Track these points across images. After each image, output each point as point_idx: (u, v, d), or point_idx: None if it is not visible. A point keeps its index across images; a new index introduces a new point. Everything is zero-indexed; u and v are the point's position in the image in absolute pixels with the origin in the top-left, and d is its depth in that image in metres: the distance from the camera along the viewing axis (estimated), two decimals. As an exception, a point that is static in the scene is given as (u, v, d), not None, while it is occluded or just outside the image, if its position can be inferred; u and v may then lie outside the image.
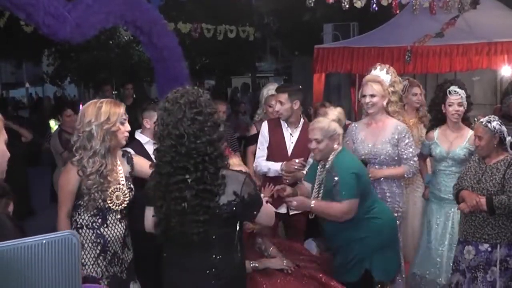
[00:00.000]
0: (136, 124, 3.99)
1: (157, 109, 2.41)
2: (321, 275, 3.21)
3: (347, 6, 6.81)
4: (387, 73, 4.08)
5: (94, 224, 2.91)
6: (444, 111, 4.17)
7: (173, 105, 2.27)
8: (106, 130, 2.85)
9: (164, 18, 6.37)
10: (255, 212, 2.46)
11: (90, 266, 2.86)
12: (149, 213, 2.55)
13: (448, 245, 4.11)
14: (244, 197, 2.34)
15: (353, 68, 7.99)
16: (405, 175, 3.95)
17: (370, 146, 3.88)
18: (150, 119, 3.87)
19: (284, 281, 3.12)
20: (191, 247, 2.40)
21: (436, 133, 4.25)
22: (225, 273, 2.40)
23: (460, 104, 4.06)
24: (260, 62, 23.87)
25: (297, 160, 3.97)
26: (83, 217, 2.91)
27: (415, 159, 3.93)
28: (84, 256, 2.85)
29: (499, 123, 3.58)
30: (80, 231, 2.89)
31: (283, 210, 4.16)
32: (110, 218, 2.93)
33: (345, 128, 3.77)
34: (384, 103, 3.90)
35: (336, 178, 3.25)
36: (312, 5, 6.65)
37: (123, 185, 2.96)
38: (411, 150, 3.88)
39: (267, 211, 2.58)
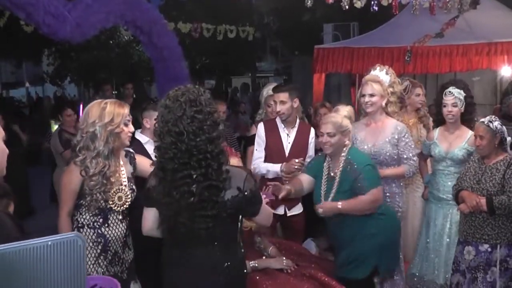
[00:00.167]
0: (136, 124, 3.98)
1: (158, 106, 2.42)
2: (321, 275, 3.21)
3: (346, 6, 6.81)
4: (387, 73, 4.08)
5: (95, 223, 2.91)
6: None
7: (174, 103, 2.29)
8: (110, 131, 2.85)
9: (164, 17, 6.38)
10: (257, 208, 2.50)
11: (91, 266, 2.86)
12: (148, 215, 2.55)
13: (446, 246, 4.11)
14: (246, 192, 2.37)
15: (353, 68, 8.00)
16: (405, 175, 3.95)
17: (370, 146, 3.88)
18: (150, 119, 3.86)
19: (284, 281, 3.12)
20: (195, 245, 2.41)
21: (436, 133, 4.26)
22: (228, 270, 2.43)
23: (454, 105, 4.06)
24: (260, 62, 23.85)
25: (296, 160, 3.97)
26: (84, 217, 2.91)
27: (415, 158, 3.94)
28: (85, 256, 2.86)
29: (500, 123, 3.58)
30: (81, 230, 2.89)
31: (280, 211, 4.16)
32: (111, 218, 2.94)
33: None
34: (383, 103, 3.91)
35: (356, 172, 3.30)
36: (310, 5, 6.65)
37: (125, 186, 2.97)
38: (411, 149, 3.89)
39: (265, 211, 2.61)
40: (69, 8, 4.52)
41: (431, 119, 4.88)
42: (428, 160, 4.51)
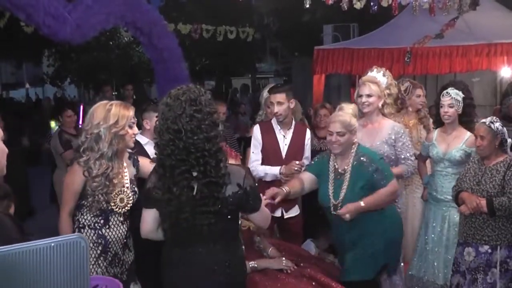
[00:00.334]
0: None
1: (160, 104, 2.45)
2: (320, 276, 3.21)
3: (345, 7, 6.82)
4: (384, 75, 4.09)
5: (96, 224, 2.91)
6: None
7: (175, 101, 2.33)
8: (114, 133, 2.86)
9: (164, 19, 6.39)
10: (258, 204, 2.52)
11: (91, 266, 2.86)
12: (147, 216, 2.55)
13: (445, 247, 4.11)
14: (246, 188, 2.40)
15: (353, 69, 8.01)
16: (403, 175, 3.95)
17: (367, 147, 3.88)
18: (150, 120, 3.87)
19: (283, 282, 3.12)
20: (197, 241, 2.43)
21: (435, 134, 4.26)
22: (229, 269, 2.44)
23: (450, 106, 4.06)
24: (260, 63, 23.84)
25: (297, 162, 3.96)
26: (85, 217, 2.92)
27: (413, 158, 3.94)
28: (85, 257, 2.86)
29: (502, 125, 3.59)
30: (82, 231, 2.90)
31: (278, 213, 4.15)
32: (112, 219, 2.94)
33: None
34: (380, 104, 3.91)
35: (373, 166, 3.31)
36: (308, 5, 6.65)
37: (127, 188, 2.97)
38: (408, 150, 3.89)
39: (263, 211, 2.62)
40: (69, 9, 4.53)
41: (431, 120, 4.88)
42: (428, 161, 4.52)
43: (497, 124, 3.55)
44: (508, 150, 3.64)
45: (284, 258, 3.32)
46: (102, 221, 2.92)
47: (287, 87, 4.34)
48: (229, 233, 2.48)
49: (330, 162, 3.47)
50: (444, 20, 7.73)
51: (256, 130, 4.28)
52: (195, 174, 2.33)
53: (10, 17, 8.52)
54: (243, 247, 2.72)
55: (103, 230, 2.92)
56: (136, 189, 3.02)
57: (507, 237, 3.50)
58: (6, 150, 1.89)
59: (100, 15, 4.81)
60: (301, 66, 12.70)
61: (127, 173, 3.01)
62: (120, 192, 2.93)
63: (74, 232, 2.90)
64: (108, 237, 2.92)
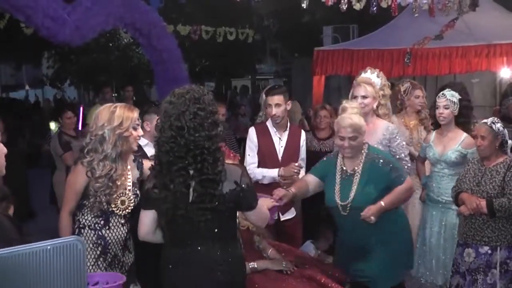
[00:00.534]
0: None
1: (163, 102, 2.47)
2: (320, 277, 3.21)
3: (344, 8, 6.81)
4: (378, 76, 4.08)
5: (96, 225, 2.92)
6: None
7: (179, 99, 2.37)
8: (118, 134, 2.87)
9: (164, 20, 6.40)
10: (254, 202, 2.53)
11: (90, 267, 2.86)
12: (145, 218, 2.56)
13: (442, 248, 4.11)
14: (243, 186, 2.43)
15: (353, 70, 7.99)
16: None
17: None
18: (151, 122, 3.86)
19: (283, 283, 3.12)
20: (195, 238, 2.44)
21: (432, 135, 4.26)
22: (228, 268, 2.45)
23: (446, 107, 4.06)
24: (259, 64, 23.83)
25: (296, 164, 3.95)
26: (86, 217, 2.92)
27: (407, 158, 3.93)
28: (84, 257, 2.86)
29: (502, 126, 3.59)
30: (82, 231, 2.91)
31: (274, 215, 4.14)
32: (112, 221, 2.95)
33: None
34: (375, 106, 3.90)
35: (389, 164, 3.31)
36: (305, 6, 6.65)
37: (129, 190, 2.98)
38: (403, 150, 3.88)
39: (261, 209, 2.63)
40: (68, 11, 4.53)
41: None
42: (427, 161, 4.52)
43: (498, 125, 3.56)
44: (508, 151, 3.64)
45: (283, 259, 3.32)
46: (102, 222, 2.92)
47: (283, 88, 4.30)
48: (227, 231, 2.49)
49: (338, 164, 3.42)
50: (443, 21, 7.73)
51: (252, 133, 4.24)
52: (191, 171, 2.36)
53: (10, 19, 8.52)
54: (242, 247, 2.72)
55: (103, 231, 2.92)
56: (138, 192, 3.02)
57: (507, 238, 3.50)
58: (5, 150, 1.89)
59: (99, 16, 4.81)
60: (301, 67, 12.71)
61: (130, 176, 3.02)
62: (121, 194, 2.94)
63: (74, 231, 2.91)
64: (108, 238, 2.93)
